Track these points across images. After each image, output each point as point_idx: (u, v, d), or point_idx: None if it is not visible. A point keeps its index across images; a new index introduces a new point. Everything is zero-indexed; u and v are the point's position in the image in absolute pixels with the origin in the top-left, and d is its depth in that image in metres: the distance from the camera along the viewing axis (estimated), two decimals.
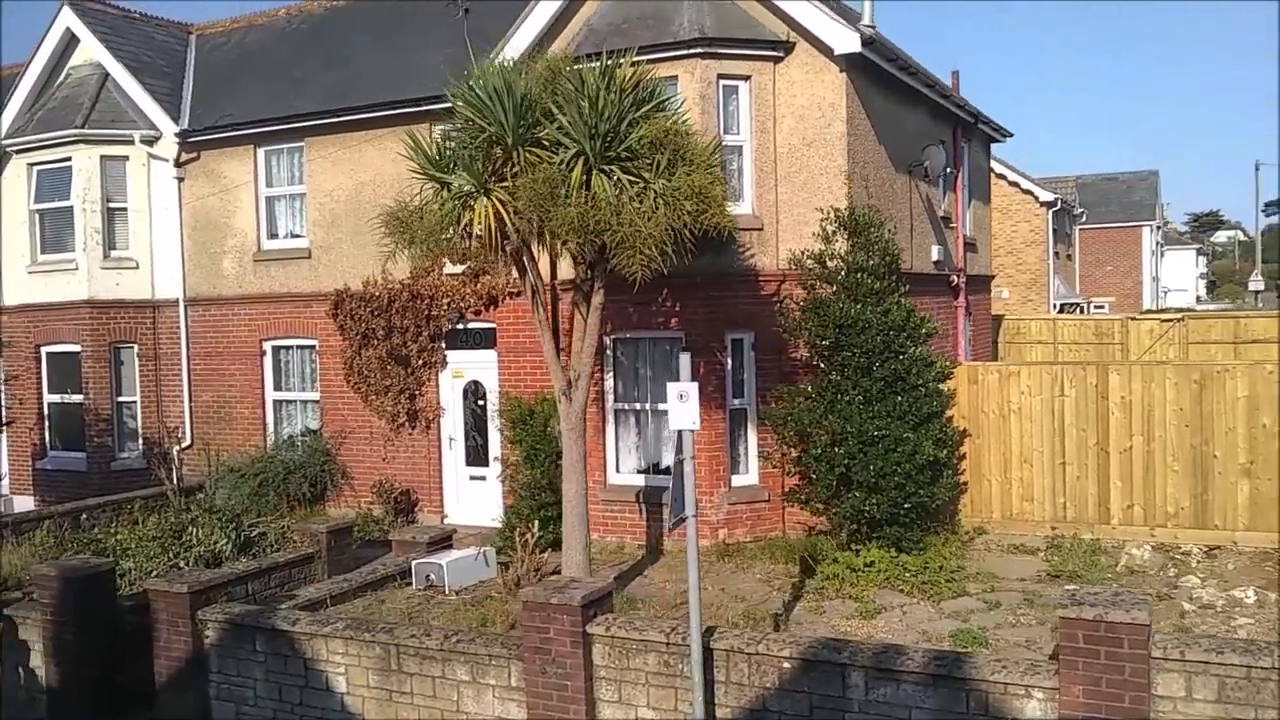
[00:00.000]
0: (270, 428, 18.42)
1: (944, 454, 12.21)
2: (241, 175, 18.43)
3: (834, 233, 12.78)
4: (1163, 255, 56.47)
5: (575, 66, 10.92)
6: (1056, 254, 34.04)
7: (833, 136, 13.79)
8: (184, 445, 19.02)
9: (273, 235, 18.50)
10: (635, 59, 10.97)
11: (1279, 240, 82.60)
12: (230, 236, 18.64)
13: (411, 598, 12.48)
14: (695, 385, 8.23)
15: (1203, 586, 11.36)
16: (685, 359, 8.37)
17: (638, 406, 14.58)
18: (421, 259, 13.01)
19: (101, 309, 18.94)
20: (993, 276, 22.78)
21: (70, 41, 19.84)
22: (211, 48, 20.96)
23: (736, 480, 14.06)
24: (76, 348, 19.03)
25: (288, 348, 18.38)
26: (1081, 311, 35.83)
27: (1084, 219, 41.01)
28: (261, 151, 18.33)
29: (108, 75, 19.45)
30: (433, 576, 12.84)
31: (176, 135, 18.65)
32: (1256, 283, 58.18)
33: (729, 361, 13.96)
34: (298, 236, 18.23)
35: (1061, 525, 13.40)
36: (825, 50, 13.64)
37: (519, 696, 9.10)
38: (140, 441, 19.29)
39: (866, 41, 13.28)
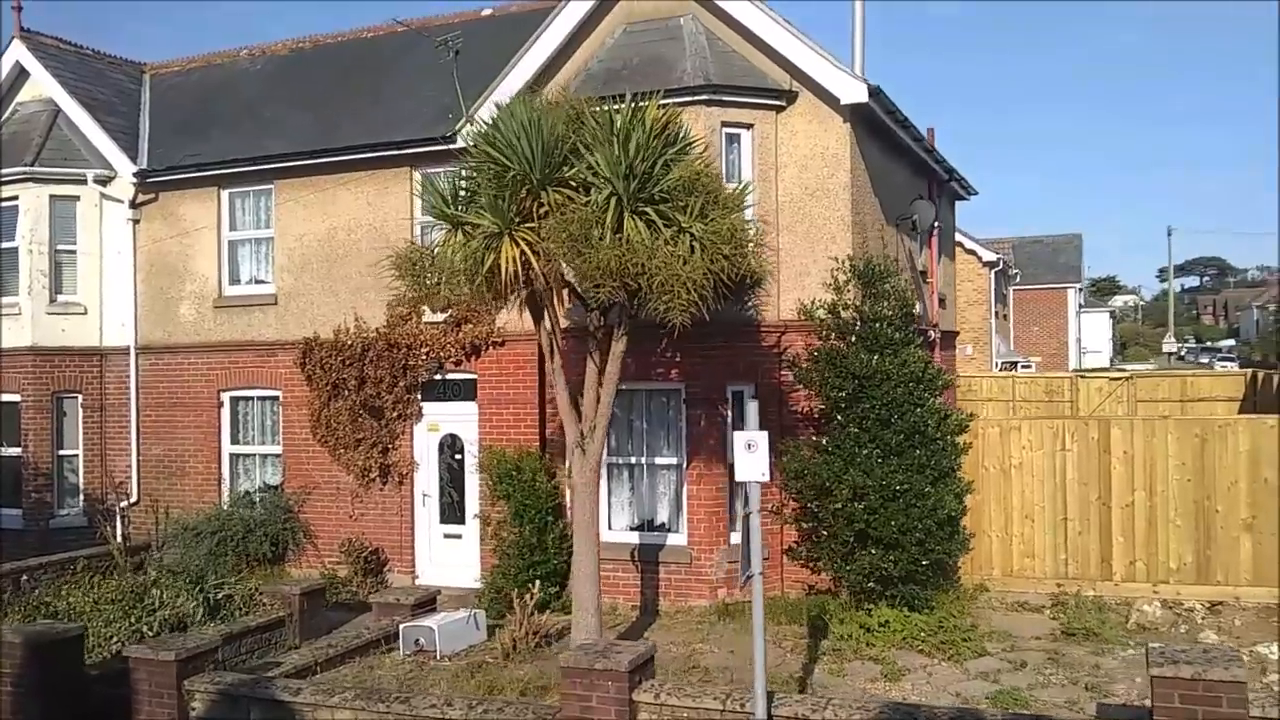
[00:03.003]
0: (226, 483, 17.51)
1: (960, 509, 12.02)
2: (203, 218, 17.67)
3: (846, 282, 12.61)
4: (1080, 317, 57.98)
5: (598, 108, 10.61)
6: (996, 313, 34.66)
7: (836, 187, 13.67)
8: (131, 501, 17.99)
9: (235, 280, 17.73)
10: (643, 104, 10.69)
11: (1187, 305, 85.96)
12: (189, 281, 17.82)
13: (402, 663, 11.80)
14: (765, 434, 7.89)
15: (1221, 643, 11.25)
16: (753, 407, 8.02)
17: (632, 460, 14.15)
18: (437, 303, 12.56)
19: (45, 356, 17.91)
20: (958, 333, 22.95)
21: (19, 76, 18.98)
22: (167, 87, 20.25)
23: (735, 538, 13.62)
24: (16, 397, 17.94)
25: (248, 399, 17.55)
26: (1015, 369, 36.39)
27: (1017, 279, 41.95)
28: (226, 193, 17.62)
29: (59, 112, 18.63)
30: (422, 641, 12.16)
31: (134, 175, 17.85)
32: (1170, 344, 60.20)
33: (729, 414, 13.64)
34: (262, 282, 17.51)
35: (1064, 582, 13.26)
36: (829, 100, 13.56)
37: None
38: (82, 498, 18.19)
39: (873, 93, 13.25)
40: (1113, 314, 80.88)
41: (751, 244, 10.22)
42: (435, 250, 11.03)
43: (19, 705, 10.62)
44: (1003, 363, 34.14)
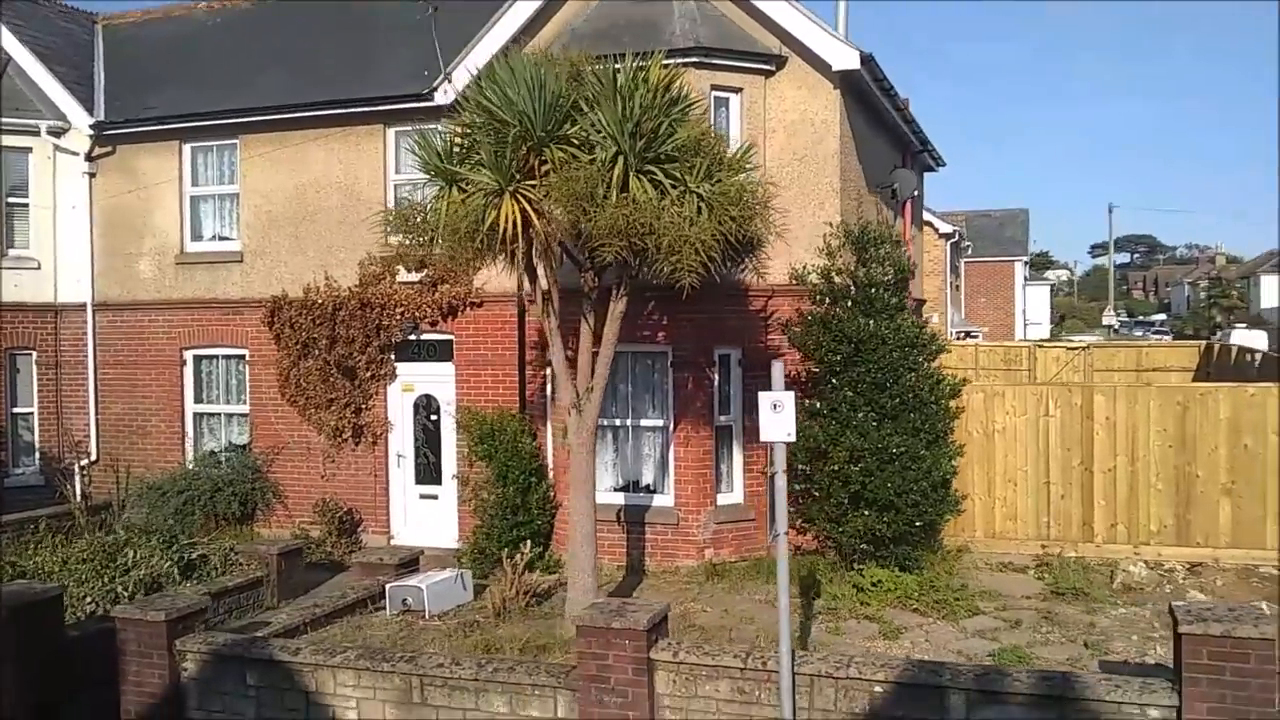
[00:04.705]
0: (190, 442, 17.07)
1: (953, 471, 12.10)
2: (164, 173, 17.10)
3: (839, 247, 12.56)
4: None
5: (599, 65, 10.37)
6: (951, 284, 35.00)
7: (825, 153, 13.62)
8: (90, 460, 17.47)
9: (198, 237, 17.21)
10: (644, 63, 10.45)
11: (1118, 281, 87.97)
12: (149, 237, 17.26)
13: (390, 623, 11.59)
14: (791, 395, 7.80)
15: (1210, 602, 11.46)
16: (778, 366, 7.95)
17: (617, 422, 14.00)
18: (411, 262, 12.28)
19: None
20: (924, 301, 23.10)
21: None
22: (122, 39, 19.51)
23: (722, 499, 13.63)
24: None
25: (212, 357, 17.09)
26: (966, 339, 36.77)
27: (969, 252, 42.39)
28: (188, 148, 17.06)
29: (9, 60, 17.84)
30: (410, 600, 11.96)
31: (91, 128, 17.19)
32: (1110, 318, 61.42)
33: (716, 377, 13.56)
34: (227, 239, 17.01)
35: (1047, 544, 13.42)
36: (820, 66, 13.48)
37: None
38: (37, 456, 17.63)
39: (864, 59, 13.18)
40: (1052, 287, 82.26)
41: (759, 205, 10.07)
42: (429, 206, 10.74)
43: None
44: (956, 332, 34.53)
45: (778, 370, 7.94)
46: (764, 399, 7.81)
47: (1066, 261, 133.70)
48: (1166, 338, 66.17)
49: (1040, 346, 26.22)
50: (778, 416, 7.71)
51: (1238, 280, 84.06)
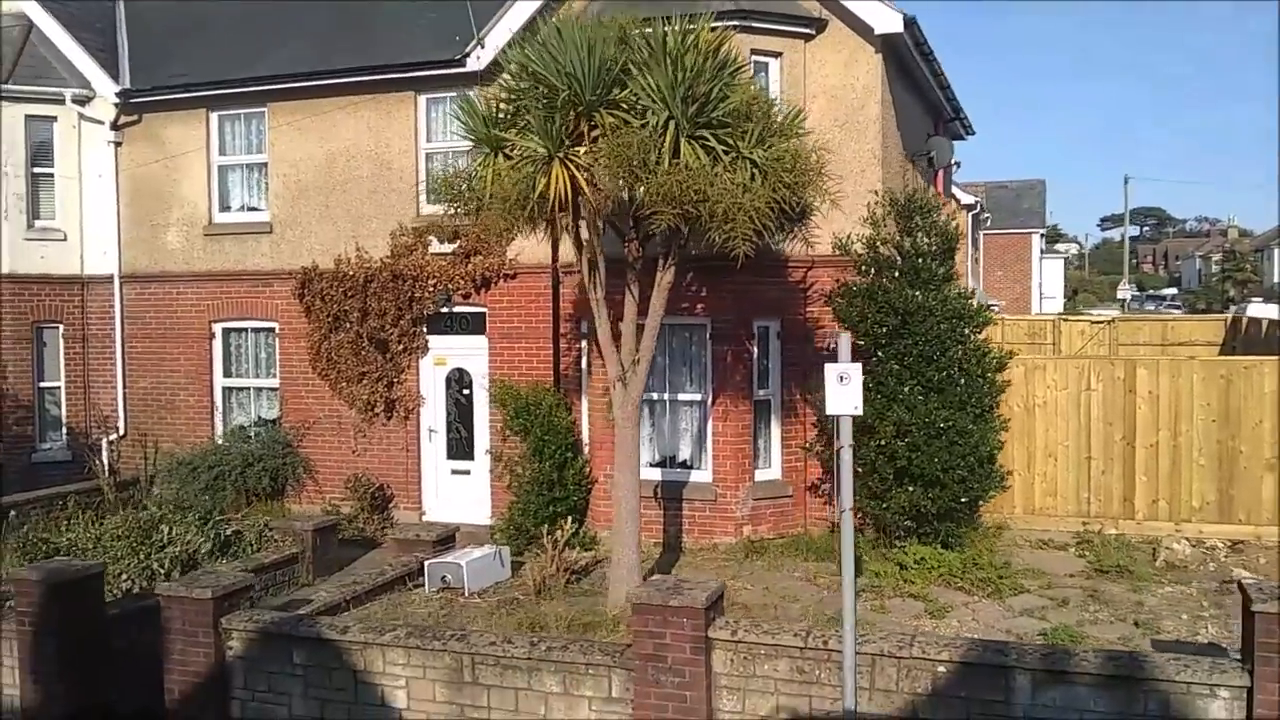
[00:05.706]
0: (220, 416, 16.98)
1: (999, 446, 11.96)
2: (191, 141, 16.92)
3: (884, 216, 12.38)
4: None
5: (647, 29, 10.16)
6: (972, 256, 34.66)
7: (866, 120, 13.42)
8: (118, 435, 17.40)
9: (226, 207, 17.04)
10: (691, 26, 10.26)
11: (1114, 253, 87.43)
12: (176, 207, 17.10)
13: (430, 601, 11.52)
14: (858, 366, 7.67)
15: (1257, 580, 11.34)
16: (845, 338, 7.81)
17: (654, 396, 13.85)
18: (445, 232, 12.06)
19: (23, 284, 17.10)
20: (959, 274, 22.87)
21: None
22: (145, 5, 19.22)
23: (760, 475, 13.52)
24: None
25: (241, 330, 16.96)
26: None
27: (988, 224, 42.01)
28: (215, 116, 16.86)
29: (33, 27, 17.64)
30: (449, 577, 11.88)
31: (116, 95, 16.98)
32: (1124, 291, 61.13)
33: (755, 350, 13.42)
34: (255, 210, 16.85)
35: (1087, 520, 13.31)
36: (861, 29, 13.26)
37: (621, 710, 8.37)
38: (65, 431, 17.56)
39: (908, 23, 12.95)
40: (1066, 260, 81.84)
41: (813, 172, 9.91)
42: (474, 174, 10.58)
43: (38, 646, 10.23)
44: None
45: (844, 342, 7.81)
46: (830, 371, 7.68)
47: (1075, 235, 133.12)
48: (1178, 311, 65.87)
49: (1064, 320, 26.02)
50: (844, 389, 7.58)
51: (1250, 253, 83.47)
